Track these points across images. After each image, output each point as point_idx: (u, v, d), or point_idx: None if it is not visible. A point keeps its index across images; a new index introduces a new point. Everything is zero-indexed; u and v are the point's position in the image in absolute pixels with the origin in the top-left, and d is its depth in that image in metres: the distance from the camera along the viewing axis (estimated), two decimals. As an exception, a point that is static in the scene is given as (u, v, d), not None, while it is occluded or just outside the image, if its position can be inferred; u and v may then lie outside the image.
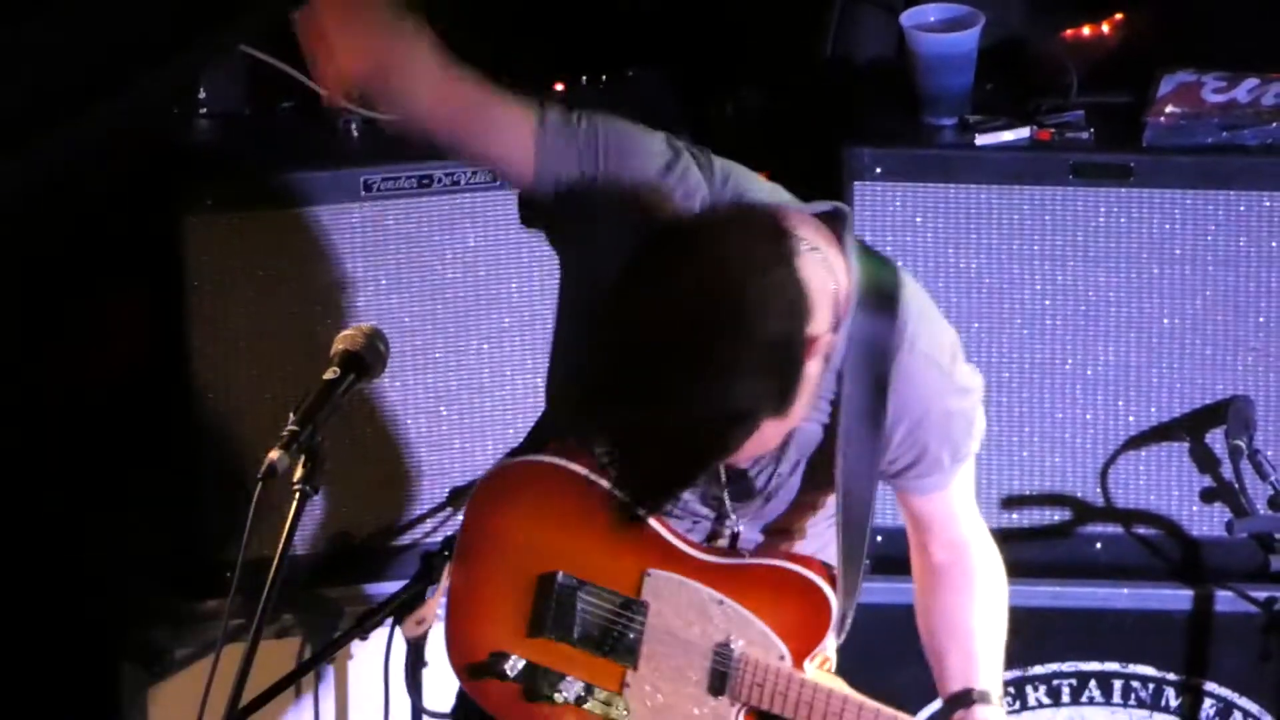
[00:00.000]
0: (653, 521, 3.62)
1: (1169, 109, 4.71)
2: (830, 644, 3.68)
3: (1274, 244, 4.62)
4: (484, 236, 4.70)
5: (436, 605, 3.75)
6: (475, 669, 3.71)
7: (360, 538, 4.71)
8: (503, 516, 3.70)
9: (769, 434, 3.30)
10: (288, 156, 4.71)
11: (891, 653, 4.20)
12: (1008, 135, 4.71)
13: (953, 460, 3.57)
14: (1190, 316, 4.66)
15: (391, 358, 3.63)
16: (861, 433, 3.49)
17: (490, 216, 4.68)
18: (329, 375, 3.50)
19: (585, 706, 3.67)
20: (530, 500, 3.69)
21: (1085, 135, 4.71)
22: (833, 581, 3.62)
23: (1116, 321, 4.68)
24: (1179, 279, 4.66)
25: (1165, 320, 4.67)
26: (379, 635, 3.85)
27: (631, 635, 3.65)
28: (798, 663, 3.63)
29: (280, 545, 3.40)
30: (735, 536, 3.67)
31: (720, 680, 3.64)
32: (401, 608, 3.84)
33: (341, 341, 3.56)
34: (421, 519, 4.74)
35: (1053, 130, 4.71)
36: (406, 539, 4.72)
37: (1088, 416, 4.71)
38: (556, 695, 3.67)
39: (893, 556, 4.04)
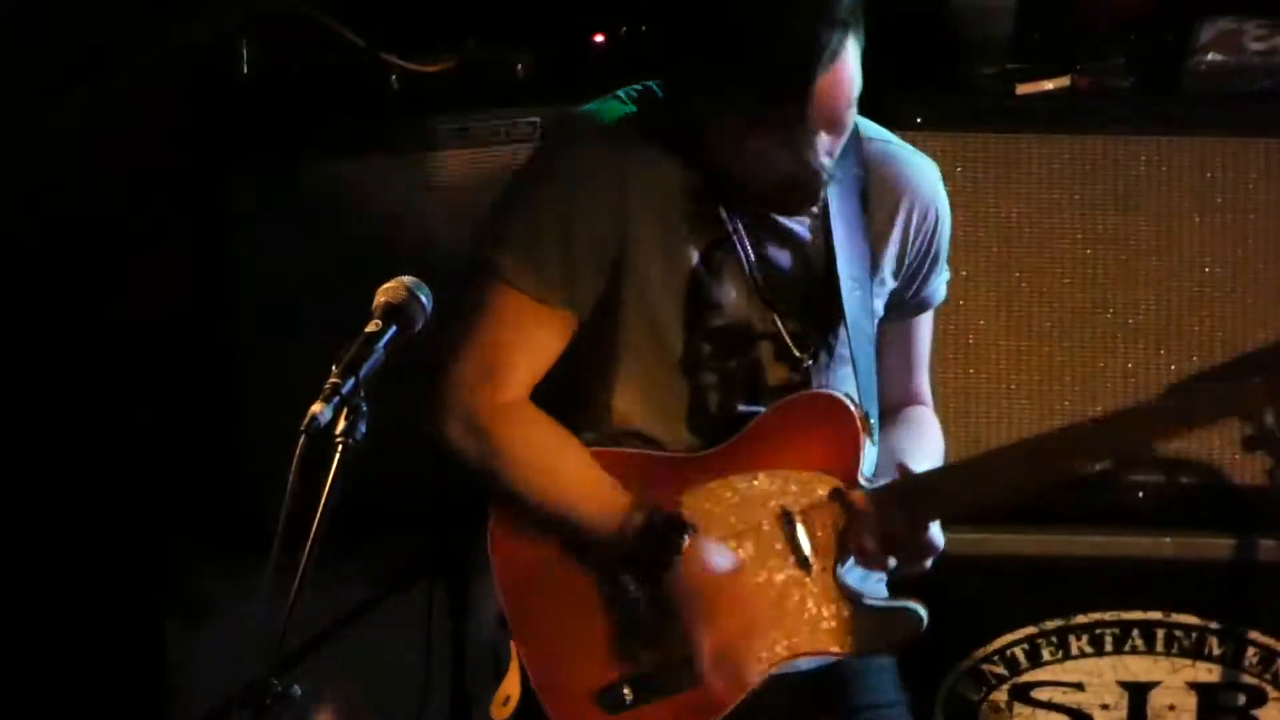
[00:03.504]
0: (653, 455, 3.48)
1: (1210, 56, 4.60)
2: (869, 453, 3.53)
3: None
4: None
5: (517, 680, 3.56)
6: None
7: (407, 492, 4.49)
8: (531, 559, 3.53)
9: None
10: (332, 107, 4.62)
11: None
12: (1048, 84, 4.59)
13: (945, 258, 3.61)
14: (1231, 264, 4.55)
15: (435, 308, 3.46)
16: (855, 252, 3.47)
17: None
18: (370, 328, 3.35)
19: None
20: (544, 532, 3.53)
21: (1125, 84, 4.60)
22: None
23: (1158, 270, 4.57)
24: (1220, 227, 4.54)
25: (1206, 269, 4.56)
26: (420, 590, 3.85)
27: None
28: (853, 483, 3.47)
29: (323, 498, 3.24)
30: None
31: (800, 553, 3.46)
32: (441, 563, 3.89)
33: (383, 294, 3.42)
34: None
35: (1092, 79, 4.60)
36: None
37: (1129, 365, 4.59)
38: (681, 683, 3.46)
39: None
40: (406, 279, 3.41)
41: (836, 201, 3.48)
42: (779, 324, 3.50)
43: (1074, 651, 4.56)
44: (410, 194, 4.54)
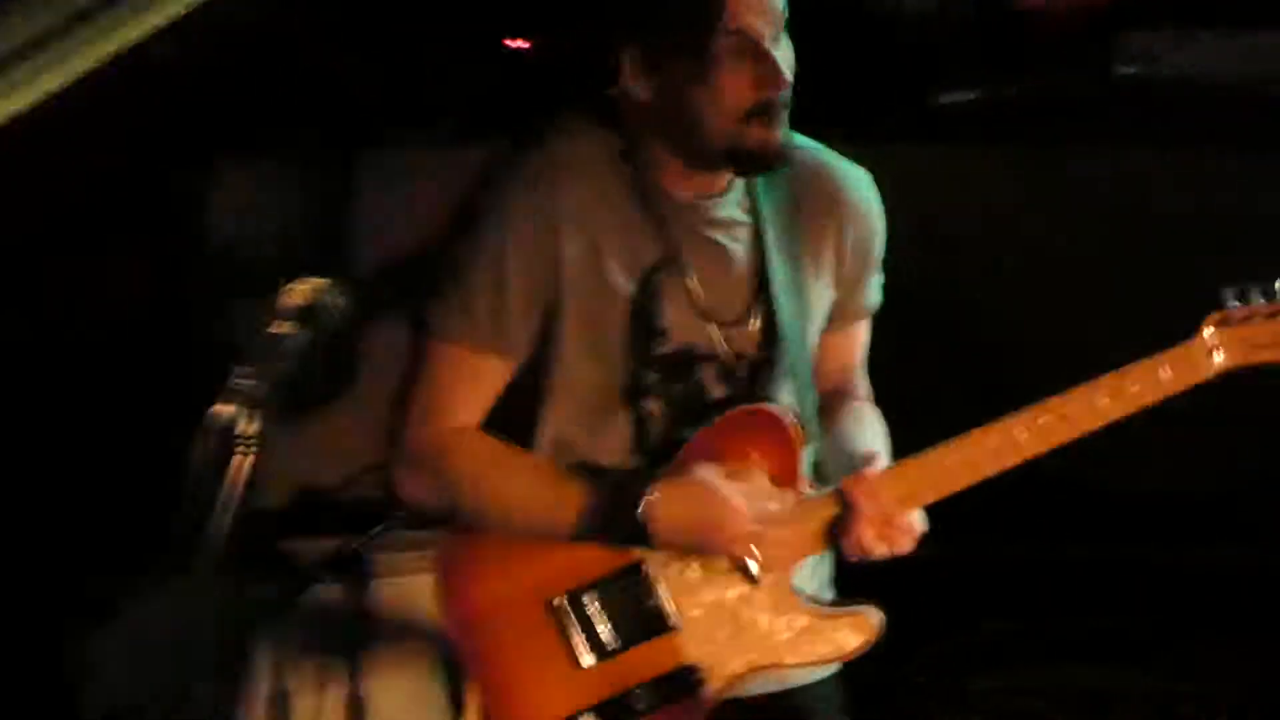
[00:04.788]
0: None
1: (1131, 69, 4.71)
2: (807, 461, 3.51)
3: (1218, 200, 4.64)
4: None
5: None
6: None
7: (318, 490, 4.59)
8: (476, 598, 3.48)
9: None
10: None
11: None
12: (971, 94, 4.73)
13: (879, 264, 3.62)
14: (1141, 267, 4.67)
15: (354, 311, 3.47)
16: (791, 264, 3.48)
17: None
18: (275, 329, 3.34)
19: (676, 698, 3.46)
20: (487, 566, 3.48)
21: (1042, 94, 4.72)
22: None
23: (1076, 274, 4.70)
24: (1132, 232, 4.69)
25: (1120, 269, 4.69)
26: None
27: (653, 601, 3.45)
28: (796, 488, 3.44)
29: (229, 498, 3.24)
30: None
31: (748, 570, 3.43)
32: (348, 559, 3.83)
33: (290, 295, 3.40)
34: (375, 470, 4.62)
35: (1013, 90, 4.73)
36: (363, 492, 4.54)
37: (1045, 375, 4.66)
38: (641, 707, 3.42)
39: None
40: (317, 280, 3.39)
41: (770, 214, 3.49)
42: (720, 343, 3.49)
43: (1022, 657, 4.62)
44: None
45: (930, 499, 3.41)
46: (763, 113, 3.36)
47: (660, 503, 3.37)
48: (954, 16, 4.79)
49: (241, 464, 3.24)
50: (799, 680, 3.50)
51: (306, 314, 3.36)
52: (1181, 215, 4.62)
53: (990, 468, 3.41)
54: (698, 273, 3.46)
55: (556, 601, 3.43)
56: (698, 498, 3.39)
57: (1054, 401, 3.38)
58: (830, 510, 3.42)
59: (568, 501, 3.41)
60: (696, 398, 3.48)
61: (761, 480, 3.43)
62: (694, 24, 3.34)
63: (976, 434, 3.41)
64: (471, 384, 3.49)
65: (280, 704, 4.44)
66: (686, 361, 3.48)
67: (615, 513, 3.39)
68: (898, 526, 3.39)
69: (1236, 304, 3.43)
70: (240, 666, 4.23)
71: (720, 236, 3.47)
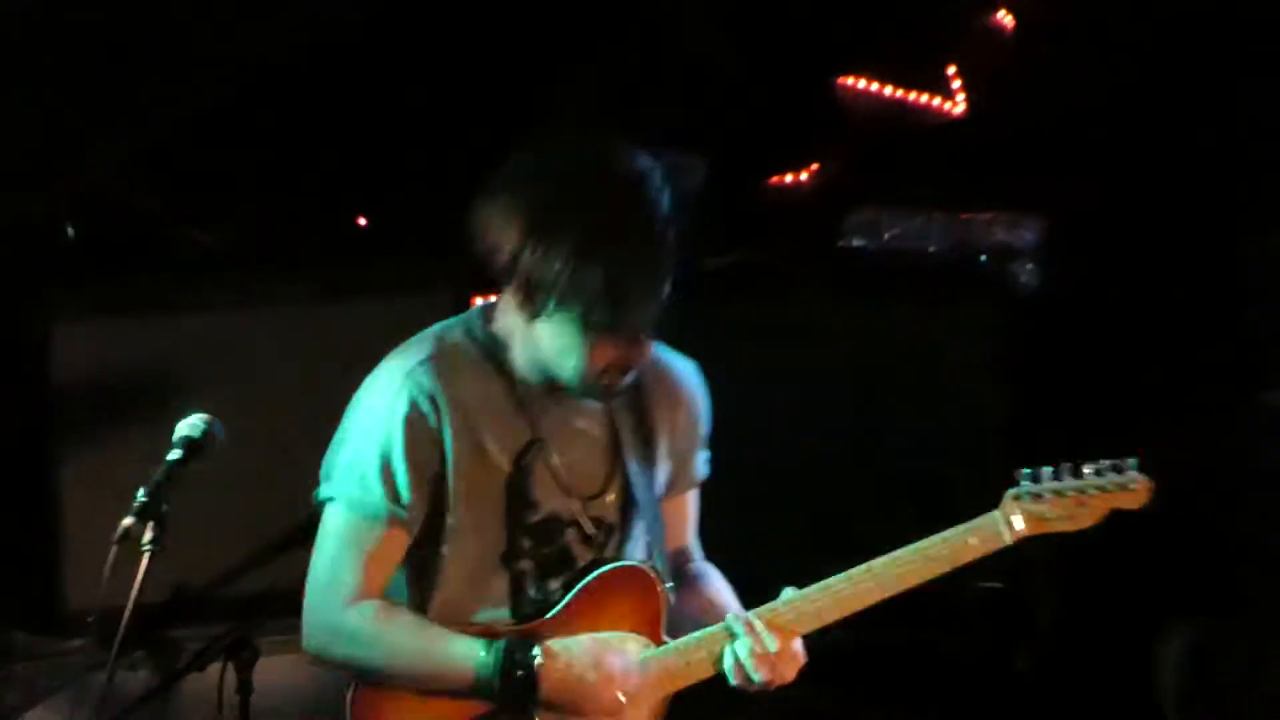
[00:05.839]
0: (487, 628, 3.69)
1: (853, 240, 5.38)
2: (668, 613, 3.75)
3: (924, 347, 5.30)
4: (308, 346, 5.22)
5: None
6: None
7: (198, 587, 5.03)
8: None
9: None
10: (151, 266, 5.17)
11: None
12: (725, 260, 5.38)
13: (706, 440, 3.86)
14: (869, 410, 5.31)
15: (228, 441, 3.80)
16: (639, 444, 3.74)
17: (328, 329, 5.21)
18: (171, 455, 3.69)
19: None
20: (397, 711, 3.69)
21: (789, 260, 5.40)
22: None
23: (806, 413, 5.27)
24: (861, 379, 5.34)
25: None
26: (213, 669, 3.93)
27: None
28: (657, 640, 3.71)
29: (133, 595, 3.54)
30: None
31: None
32: (232, 646, 3.93)
33: (182, 428, 3.76)
34: (244, 570, 5.06)
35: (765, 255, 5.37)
36: (233, 589, 5.05)
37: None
38: None
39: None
40: (202, 415, 3.71)
41: (620, 403, 3.71)
42: (583, 513, 3.72)
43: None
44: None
45: (812, 628, 3.68)
46: (619, 371, 3.62)
47: (545, 669, 3.59)
48: (716, 197, 5.26)
49: (140, 565, 3.47)
50: None
51: (192, 444, 3.67)
52: (888, 361, 5.19)
53: (857, 605, 3.69)
54: (561, 454, 3.69)
55: None
56: (576, 667, 3.61)
57: (888, 558, 3.69)
58: (718, 644, 3.67)
59: (462, 667, 3.59)
60: (563, 559, 3.72)
61: (631, 640, 3.68)
62: (625, 331, 3.56)
63: (851, 576, 3.69)
64: (370, 554, 3.64)
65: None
66: (555, 528, 3.71)
67: (506, 677, 3.58)
68: (780, 656, 3.65)
69: (1029, 484, 3.68)
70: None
71: (580, 422, 3.72)
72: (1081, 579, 5.41)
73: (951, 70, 6.04)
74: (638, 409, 3.74)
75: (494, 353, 3.67)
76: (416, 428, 3.61)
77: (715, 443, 3.79)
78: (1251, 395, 5.42)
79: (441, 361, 3.65)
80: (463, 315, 3.75)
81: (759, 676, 3.64)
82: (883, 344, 5.32)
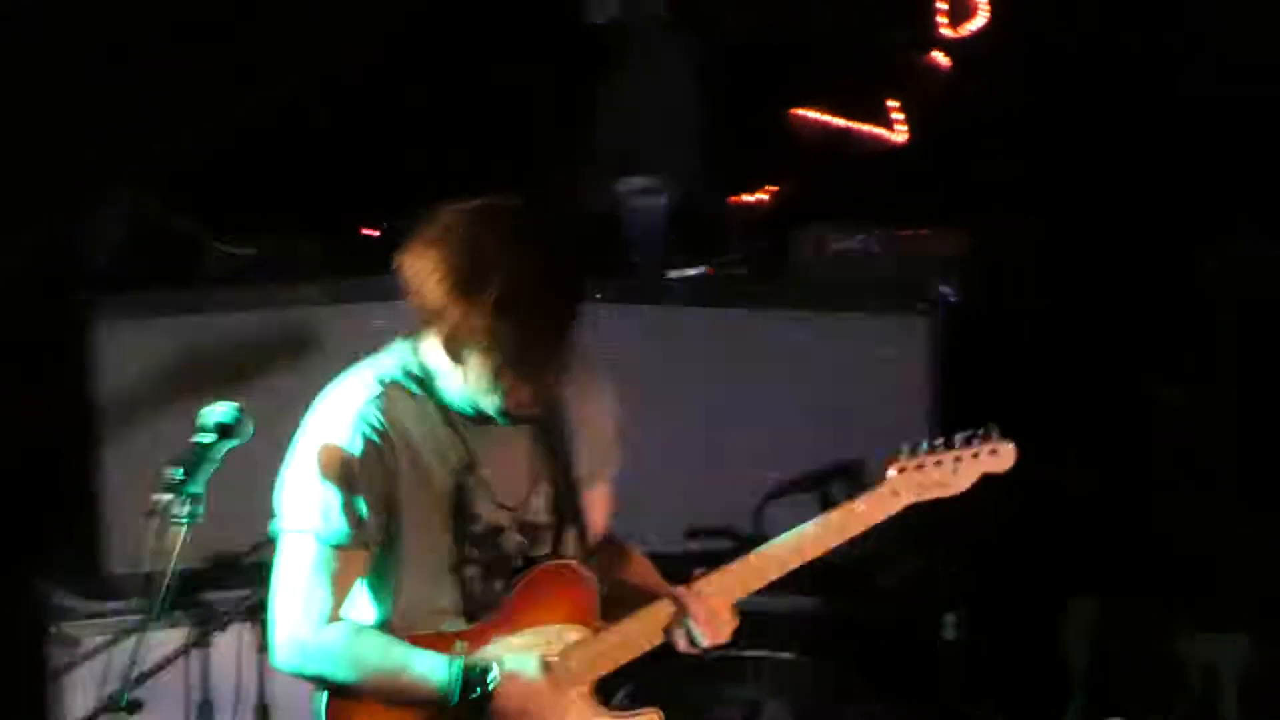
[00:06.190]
0: (439, 634, 3.88)
1: (804, 256, 5.74)
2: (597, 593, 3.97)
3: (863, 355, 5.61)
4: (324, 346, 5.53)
5: None
6: None
7: (228, 556, 5.30)
8: None
9: None
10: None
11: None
12: (690, 270, 5.76)
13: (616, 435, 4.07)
14: (814, 407, 5.62)
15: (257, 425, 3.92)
16: (563, 447, 3.97)
17: (333, 331, 5.53)
18: (202, 438, 3.86)
19: None
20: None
21: (743, 271, 5.76)
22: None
23: (760, 409, 5.60)
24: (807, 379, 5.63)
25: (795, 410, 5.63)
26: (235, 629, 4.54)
27: None
28: (592, 628, 3.94)
29: (170, 562, 3.76)
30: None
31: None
32: (252, 608, 4.55)
33: (209, 414, 3.91)
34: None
35: (719, 267, 5.76)
36: (258, 556, 5.01)
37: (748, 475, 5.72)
38: None
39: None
40: (229, 402, 3.90)
41: (544, 412, 3.90)
42: (516, 518, 3.93)
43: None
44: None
45: (741, 595, 3.94)
46: (534, 403, 3.83)
47: (501, 683, 3.83)
48: (678, 215, 5.71)
49: (176, 536, 3.72)
50: None
51: (222, 427, 3.88)
52: (837, 366, 5.50)
53: (775, 572, 3.94)
54: (491, 469, 3.90)
55: None
56: (524, 683, 3.85)
57: (792, 531, 3.95)
58: (665, 612, 3.92)
59: (426, 684, 3.82)
60: (505, 562, 3.94)
61: (571, 630, 3.90)
62: (535, 366, 3.77)
63: (765, 548, 3.95)
64: (334, 576, 3.83)
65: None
66: (493, 536, 3.93)
67: (464, 694, 3.82)
68: (721, 619, 3.92)
69: (908, 455, 3.94)
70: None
71: (505, 439, 3.92)
72: (996, 560, 5.75)
73: (893, 103, 6.52)
74: (556, 414, 3.94)
75: (426, 384, 3.88)
76: (371, 462, 3.83)
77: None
78: (1150, 389, 5.79)
79: (386, 399, 3.86)
80: (395, 349, 3.94)
81: (704, 640, 3.93)
82: (827, 348, 5.65)
